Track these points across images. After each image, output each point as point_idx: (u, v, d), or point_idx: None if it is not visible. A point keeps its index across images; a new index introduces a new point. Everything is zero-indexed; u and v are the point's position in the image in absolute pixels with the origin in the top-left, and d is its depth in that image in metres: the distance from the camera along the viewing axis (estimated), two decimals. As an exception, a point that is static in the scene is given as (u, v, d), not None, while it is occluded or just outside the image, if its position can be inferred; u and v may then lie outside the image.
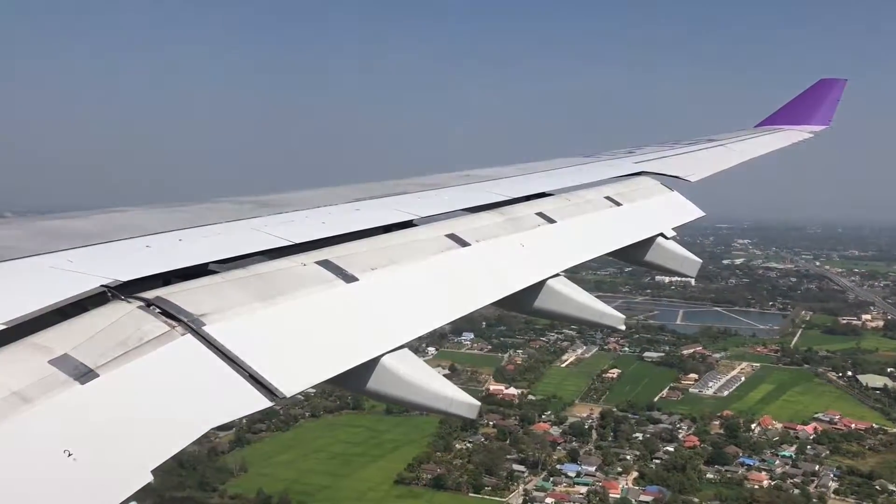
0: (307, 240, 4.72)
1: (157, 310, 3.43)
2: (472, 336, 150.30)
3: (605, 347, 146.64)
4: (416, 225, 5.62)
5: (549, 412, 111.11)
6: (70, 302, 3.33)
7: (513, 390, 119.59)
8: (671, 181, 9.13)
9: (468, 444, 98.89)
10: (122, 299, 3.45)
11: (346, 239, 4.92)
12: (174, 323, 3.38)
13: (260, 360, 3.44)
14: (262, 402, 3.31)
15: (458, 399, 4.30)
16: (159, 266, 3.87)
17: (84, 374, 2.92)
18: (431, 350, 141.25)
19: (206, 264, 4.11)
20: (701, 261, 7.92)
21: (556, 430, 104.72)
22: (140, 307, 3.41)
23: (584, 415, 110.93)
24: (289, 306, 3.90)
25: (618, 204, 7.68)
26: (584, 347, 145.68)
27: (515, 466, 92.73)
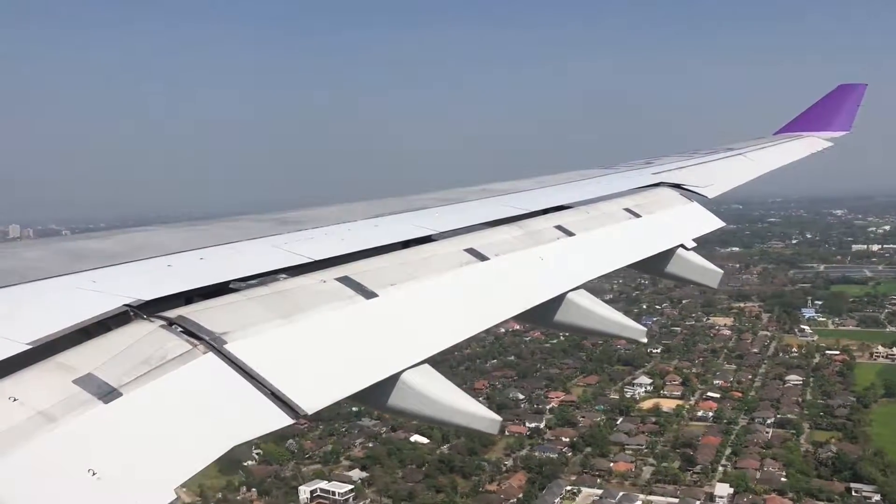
0: (327, 256, 4.73)
1: (180, 328, 3.45)
2: (812, 312, 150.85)
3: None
4: (434, 240, 5.62)
5: None
6: (94, 321, 3.37)
7: None
8: (690, 191, 9.08)
9: None
10: (145, 318, 3.48)
11: (365, 255, 4.94)
12: (196, 341, 3.40)
13: (281, 378, 3.45)
14: (283, 420, 3.31)
15: (479, 414, 4.28)
16: (181, 285, 3.90)
17: (108, 394, 2.94)
18: (807, 329, 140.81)
19: (228, 282, 4.14)
20: (722, 271, 7.84)
21: None
22: (162, 326, 3.44)
23: None
24: (309, 323, 3.91)
25: (637, 216, 7.63)
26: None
27: None
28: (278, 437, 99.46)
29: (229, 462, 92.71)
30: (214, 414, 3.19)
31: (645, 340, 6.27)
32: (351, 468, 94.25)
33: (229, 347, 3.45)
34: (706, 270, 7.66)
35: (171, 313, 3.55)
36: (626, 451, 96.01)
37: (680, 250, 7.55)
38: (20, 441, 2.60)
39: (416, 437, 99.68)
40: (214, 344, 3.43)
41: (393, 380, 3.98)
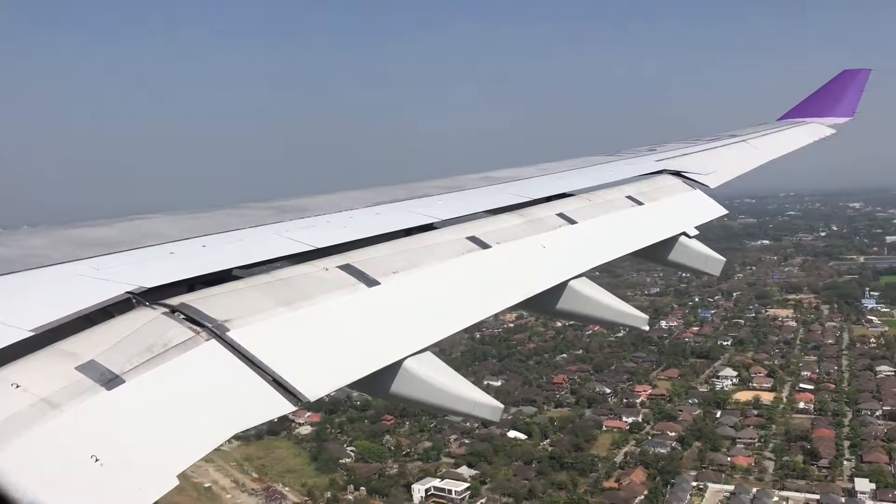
0: (329, 244, 4.74)
1: (182, 316, 3.46)
2: (873, 303, 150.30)
3: None
4: (436, 227, 5.62)
5: None
6: (96, 309, 3.37)
7: None
8: (693, 177, 9.06)
9: None
10: (148, 306, 3.48)
11: (367, 243, 4.94)
12: (199, 329, 3.41)
13: (283, 365, 3.46)
14: (285, 407, 3.33)
15: (481, 402, 4.29)
16: (183, 272, 3.90)
17: (111, 380, 2.95)
18: (875, 319, 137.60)
19: (230, 270, 4.14)
20: (724, 259, 7.83)
21: None
22: (165, 313, 3.45)
23: None
24: (312, 311, 3.92)
25: (639, 203, 7.61)
26: None
27: None
28: (372, 433, 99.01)
29: (327, 461, 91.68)
30: (217, 401, 3.20)
31: (647, 328, 6.26)
32: (456, 465, 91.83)
33: (232, 335, 3.46)
34: (708, 258, 7.65)
35: (174, 300, 3.56)
36: (739, 445, 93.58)
37: (682, 238, 7.54)
38: (23, 428, 2.62)
39: (513, 433, 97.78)
40: (217, 331, 3.44)
41: (395, 367, 4.00)
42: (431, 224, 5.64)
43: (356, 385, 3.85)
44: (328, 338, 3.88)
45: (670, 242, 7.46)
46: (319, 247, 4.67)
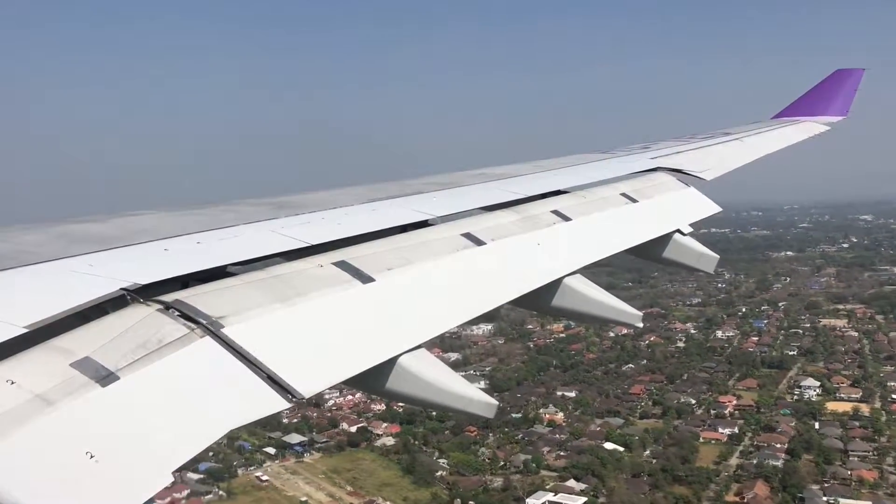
0: (324, 241, 4.73)
1: (177, 312, 3.46)
2: None
3: None
4: (431, 224, 5.62)
5: None
6: (90, 305, 3.36)
7: None
8: (688, 176, 9.08)
9: None
10: (142, 302, 3.48)
11: (362, 239, 4.94)
12: (193, 325, 3.40)
13: (278, 362, 3.46)
14: (280, 404, 3.33)
15: (476, 398, 4.30)
16: (178, 269, 3.90)
17: (105, 377, 2.95)
18: None
19: (224, 266, 4.14)
20: (718, 256, 7.86)
21: None
22: (159, 310, 3.44)
23: None
24: (306, 307, 3.92)
25: (634, 201, 7.63)
26: None
27: None
28: (461, 445, 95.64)
29: (423, 473, 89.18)
30: (211, 398, 3.20)
31: (640, 325, 6.27)
32: (562, 479, 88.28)
33: (226, 331, 3.46)
34: (702, 255, 7.67)
35: (168, 297, 3.55)
36: (853, 458, 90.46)
37: (676, 235, 7.56)
38: (18, 425, 2.61)
39: (609, 445, 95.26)
40: (211, 328, 3.43)
41: (390, 364, 4.00)
42: (426, 221, 5.64)
43: (351, 382, 3.85)
44: (323, 334, 3.88)
45: (665, 239, 7.48)
46: (314, 243, 4.67)
